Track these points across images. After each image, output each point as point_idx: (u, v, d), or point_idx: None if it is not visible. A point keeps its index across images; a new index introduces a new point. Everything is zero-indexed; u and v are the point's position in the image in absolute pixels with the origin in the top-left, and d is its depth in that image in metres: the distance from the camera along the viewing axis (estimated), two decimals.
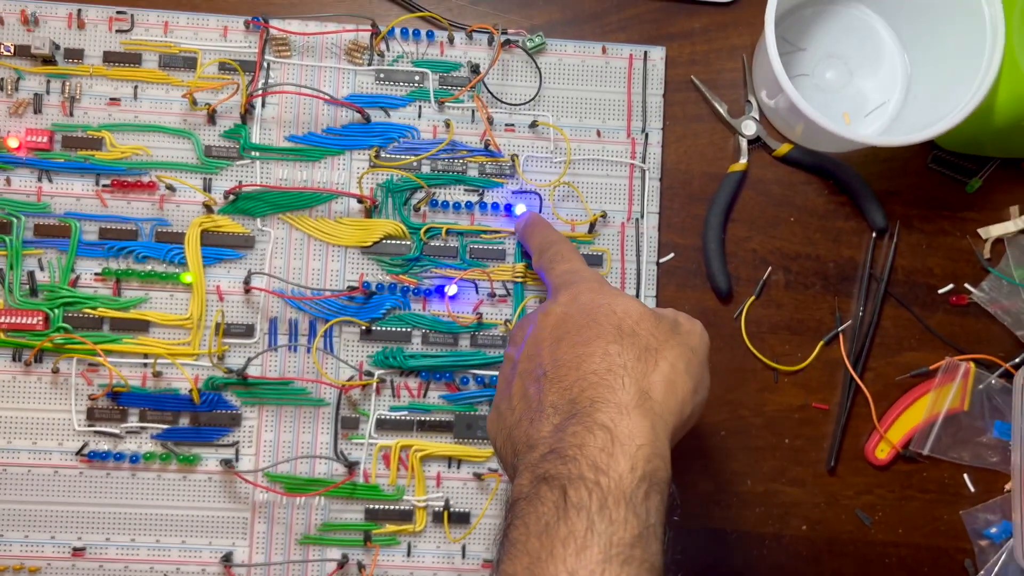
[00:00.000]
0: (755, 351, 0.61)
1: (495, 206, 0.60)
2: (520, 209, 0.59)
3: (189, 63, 0.59)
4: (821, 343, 0.62)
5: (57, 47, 0.58)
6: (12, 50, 0.57)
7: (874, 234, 0.62)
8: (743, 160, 0.62)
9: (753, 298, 0.61)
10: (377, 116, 0.60)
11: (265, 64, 0.59)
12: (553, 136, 0.60)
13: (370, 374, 0.58)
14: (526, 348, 0.45)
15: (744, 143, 0.62)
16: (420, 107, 0.60)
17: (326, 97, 0.58)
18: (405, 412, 0.58)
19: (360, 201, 0.58)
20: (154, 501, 0.57)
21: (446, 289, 0.58)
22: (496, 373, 0.59)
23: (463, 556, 0.58)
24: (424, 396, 0.59)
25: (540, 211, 0.60)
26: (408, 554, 0.57)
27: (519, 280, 0.59)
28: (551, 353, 0.42)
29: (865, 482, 0.61)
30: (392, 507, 0.58)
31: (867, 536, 0.61)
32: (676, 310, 0.47)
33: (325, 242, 0.59)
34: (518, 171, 0.60)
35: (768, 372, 0.61)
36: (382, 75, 0.60)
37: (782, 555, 0.61)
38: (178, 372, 0.57)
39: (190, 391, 0.56)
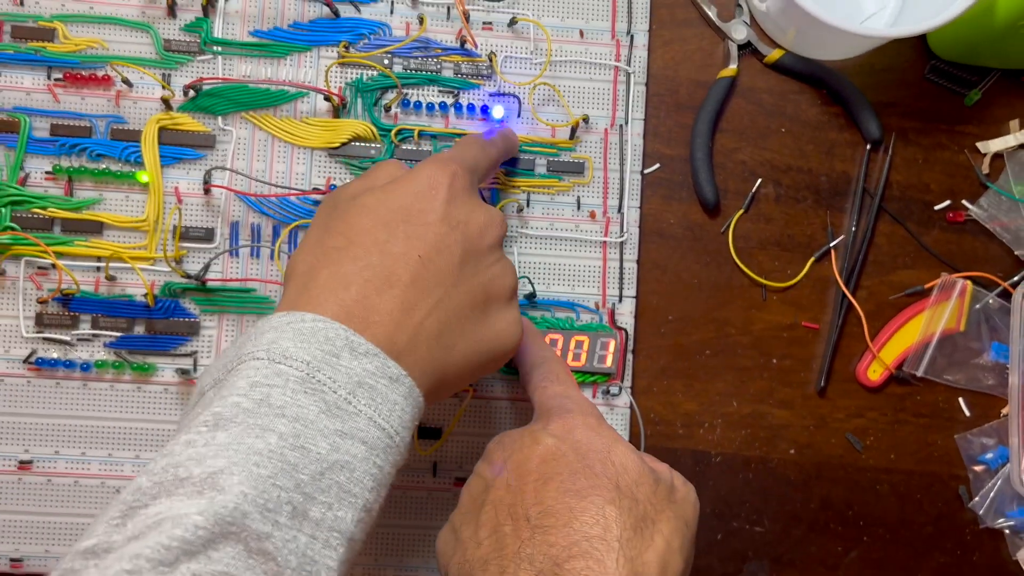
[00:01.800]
0: (743, 267, 0.58)
1: (471, 108, 0.56)
2: (498, 112, 0.56)
3: None
4: (812, 259, 0.59)
5: None
6: None
7: (868, 147, 0.60)
8: (732, 66, 0.59)
9: (742, 211, 0.59)
10: (347, 12, 0.56)
11: None
12: (533, 35, 0.57)
13: None
14: (507, 475, 0.41)
15: (734, 48, 0.59)
16: (392, 2, 0.57)
17: None
18: None
19: (327, 99, 0.55)
20: (106, 413, 0.54)
21: None
22: None
23: (434, 474, 0.55)
24: None
25: (519, 115, 0.57)
26: None
27: (496, 186, 0.56)
28: (537, 493, 0.39)
29: (856, 405, 0.59)
30: None
31: (858, 461, 0.59)
32: (670, 468, 0.44)
33: (290, 143, 0.56)
34: (496, 71, 0.56)
35: (756, 289, 0.59)
36: None
37: (769, 479, 0.58)
38: (133, 277, 0.54)
39: (145, 296, 0.53)
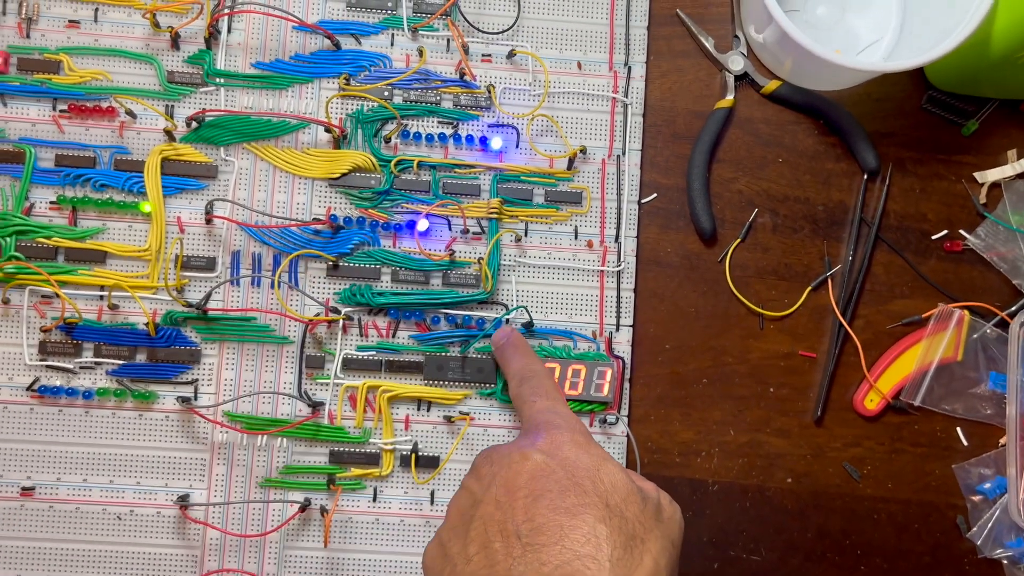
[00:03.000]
0: (740, 296, 0.59)
1: (470, 139, 0.57)
2: (496, 143, 0.57)
3: None
4: (809, 289, 0.59)
5: None
6: None
7: (865, 176, 0.60)
8: (730, 96, 0.59)
9: (739, 241, 0.59)
10: (348, 44, 0.57)
11: None
12: (532, 67, 0.58)
13: (336, 311, 0.55)
14: (495, 491, 0.41)
15: (731, 79, 0.59)
16: (393, 35, 0.57)
17: (295, 19, 0.56)
18: (373, 352, 0.56)
19: (328, 130, 0.56)
20: (108, 440, 0.54)
21: (417, 224, 0.56)
22: (468, 313, 0.56)
23: (431, 502, 0.55)
24: (393, 336, 0.56)
25: (517, 145, 0.57)
26: (374, 499, 0.55)
27: (494, 216, 0.57)
28: (527, 510, 0.39)
29: (853, 434, 0.59)
30: (358, 450, 0.55)
31: (855, 490, 0.59)
32: (657, 487, 0.44)
33: (291, 173, 0.56)
34: (494, 102, 0.57)
35: (753, 318, 0.59)
36: (353, 0, 0.57)
37: (766, 508, 0.58)
38: (135, 306, 0.54)
39: (147, 325, 0.54)
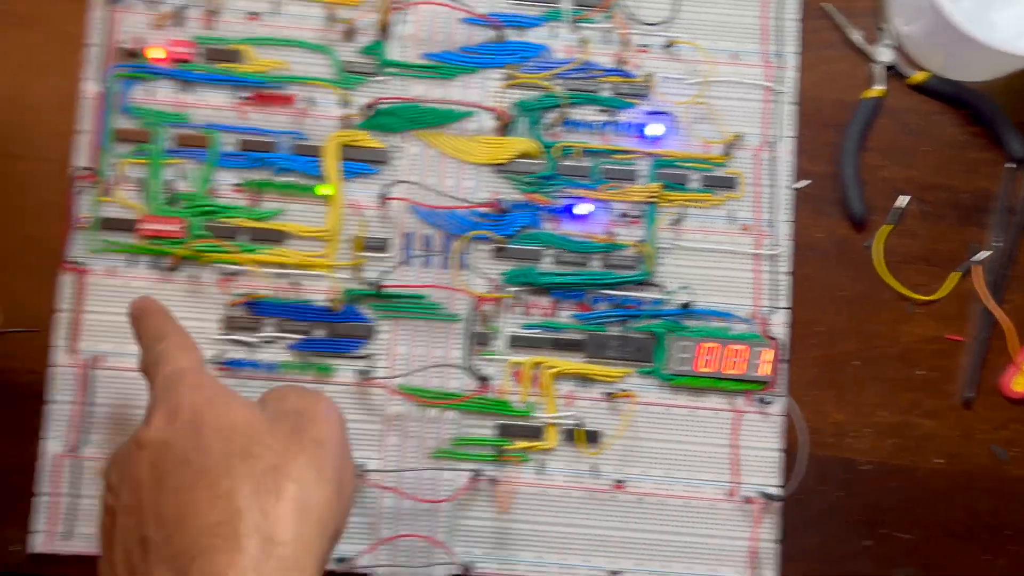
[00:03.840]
0: (889, 280, 0.60)
1: (627, 126, 0.59)
2: (656, 129, 0.59)
3: None
4: (956, 274, 0.60)
5: None
6: None
7: (1011, 165, 0.61)
8: (878, 87, 0.61)
9: (888, 227, 0.60)
10: (511, 36, 0.60)
11: None
12: (686, 57, 0.60)
13: (499, 287, 0.57)
14: (125, 498, 0.36)
15: (879, 70, 0.61)
16: (554, 27, 0.60)
17: (468, 10, 0.58)
18: (537, 330, 0.58)
19: (497, 118, 0.58)
20: None
21: (578, 208, 0.58)
22: (627, 293, 0.58)
23: (594, 475, 0.57)
24: (555, 314, 0.58)
25: (674, 132, 0.59)
26: (540, 471, 0.57)
27: (653, 200, 0.59)
28: (153, 505, 0.35)
29: (1001, 417, 0.60)
30: (523, 423, 0.57)
31: (1003, 472, 0.60)
32: (294, 388, 0.41)
33: (459, 159, 0.59)
34: (654, 91, 0.59)
35: (902, 302, 0.60)
36: None
37: (916, 488, 0.59)
38: (313, 283, 0.57)
39: (330, 302, 0.56)
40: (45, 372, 0.56)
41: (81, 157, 0.57)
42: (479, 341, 0.58)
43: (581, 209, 0.58)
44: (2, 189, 0.57)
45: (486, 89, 0.59)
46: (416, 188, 0.58)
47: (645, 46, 0.60)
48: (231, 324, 0.57)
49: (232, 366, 0.56)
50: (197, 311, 0.57)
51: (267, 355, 0.57)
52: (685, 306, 0.58)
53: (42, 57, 0.58)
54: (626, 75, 0.60)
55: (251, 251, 0.57)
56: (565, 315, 0.58)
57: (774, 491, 0.57)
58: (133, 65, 0.57)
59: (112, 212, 0.57)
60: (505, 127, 0.58)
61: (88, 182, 0.57)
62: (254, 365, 0.56)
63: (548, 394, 0.57)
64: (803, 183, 0.60)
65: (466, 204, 0.58)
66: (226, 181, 0.58)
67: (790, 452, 0.58)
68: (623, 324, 0.58)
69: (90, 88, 0.57)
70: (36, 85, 0.58)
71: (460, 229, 0.58)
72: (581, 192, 0.59)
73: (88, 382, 0.56)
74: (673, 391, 0.58)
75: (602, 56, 0.60)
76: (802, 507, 0.58)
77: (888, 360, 0.60)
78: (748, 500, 0.57)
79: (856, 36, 0.61)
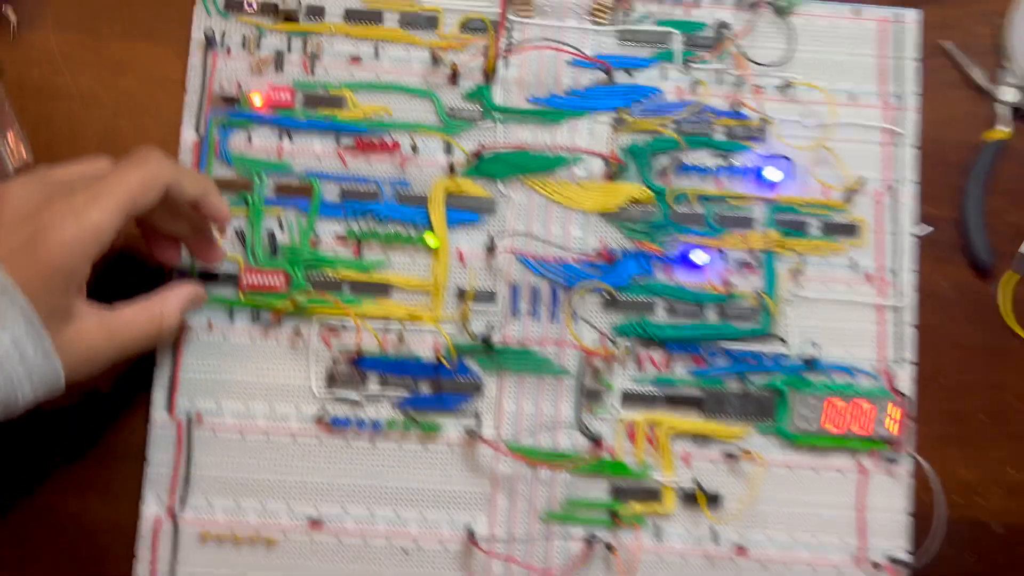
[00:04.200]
0: (1018, 330, 0.57)
1: (743, 170, 0.57)
2: (772, 174, 0.56)
3: (430, 22, 0.57)
4: None
5: (299, 4, 0.56)
6: (255, 6, 0.56)
7: None
8: (1002, 127, 0.58)
9: (1015, 275, 0.57)
10: (619, 79, 0.57)
11: (508, 25, 0.57)
12: (803, 99, 0.57)
13: (612, 340, 0.55)
14: None
15: (1003, 110, 0.58)
16: (664, 68, 0.58)
17: (578, 52, 0.56)
18: (651, 386, 0.55)
19: (607, 163, 0.56)
20: (392, 471, 0.54)
21: (694, 256, 0.55)
22: (746, 347, 0.55)
23: (714, 540, 0.54)
24: (670, 369, 0.55)
25: (791, 176, 0.57)
26: (656, 536, 0.54)
27: (771, 248, 0.56)
28: None
29: None
30: (638, 485, 0.54)
31: None
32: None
33: (567, 207, 0.56)
34: (771, 133, 0.57)
35: None
36: (625, 35, 0.57)
37: None
38: (418, 337, 0.55)
39: (437, 357, 0.54)
40: (144, 430, 0.54)
41: None
42: (590, 397, 0.55)
43: (697, 258, 0.55)
44: None
45: (594, 133, 0.57)
46: (523, 237, 0.56)
47: (760, 87, 0.58)
48: (335, 380, 0.54)
49: (336, 425, 0.54)
50: (299, 367, 0.54)
51: (372, 412, 0.54)
52: (809, 361, 0.55)
53: (138, 103, 0.56)
54: (739, 116, 0.57)
55: (355, 304, 0.55)
56: (680, 370, 0.56)
57: (904, 556, 0.54)
58: (232, 112, 0.56)
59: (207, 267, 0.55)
60: (615, 173, 0.56)
61: None
62: (360, 424, 0.54)
63: (664, 454, 0.55)
64: (926, 229, 0.57)
65: (575, 253, 0.56)
66: (329, 231, 0.55)
67: (918, 514, 0.55)
68: (742, 379, 0.55)
69: (188, 135, 0.56)
70: (132, 132, 0.56)
71: (569, 280, 0.56)
72: (695, 240, 0.56)
73: (187, 440, 0.53)
74: (795, 450, 0.55)
75: (715, 98, 0.57)
76: (931, 572, 0.55)
77: (1017, 414, 0.57)
78: (876, 566, 0.54)
79: (978, 75, 0.59)
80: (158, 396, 0.54)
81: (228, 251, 0.55)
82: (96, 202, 0.42)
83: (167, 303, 0.49)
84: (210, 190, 0.48)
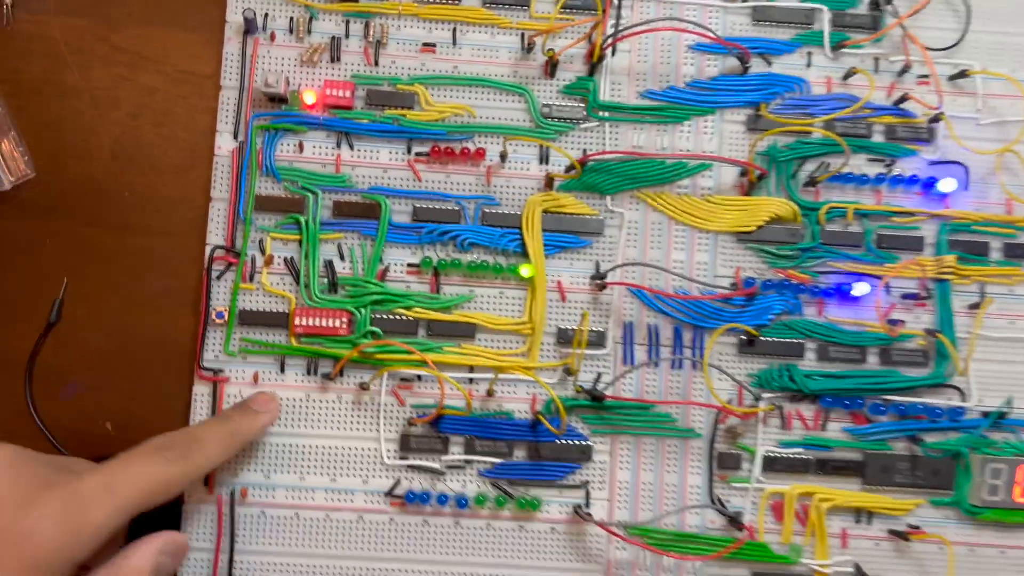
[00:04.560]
0: None
1: (910, 180, 0.46)
2: (947, 185, 0.45)
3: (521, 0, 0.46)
4: None
5: None
6: None
7: None
8: None
9: None
10: (754, 67, 0.46)
11: (615, 1, 0.46)
12: (981, 91, 0.46)
13: (756, 398, 0.44)
14: None
15: None
16: (809, 54, 0.46)
17: (708, 35, 0.45)
18: (800, 449, 0.45)
19: (742, 172, 0.45)
20: (483, 557, 0.44)
21: (855, 288, 0.45)
22: (917, 400, 0.45)
23: None
24: (823, 428, 0.45)
25: (968, 188, 0.46)
26: None
27: (944, 276, 0.45)
28: None
29: None
30: (786, 572, 0.44)
31: None
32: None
33: (691, 227, 0.46)
34: (942, 134, 0.46)
35: None
36: (761, 13, 0.46)
37: None
38: (510, 390, 0.44)
39: (535, 415, 0.43)
40: (177, 510, 0.44)
41: (215, 232, 0.44)
42: (725, 464, 0.44)
43: (855, 289, 0.44)
44: (117, 271, 0.44)
45: (724, 135, 0.46)
46: (638, 265, 0.45)
47: (925, 77, 0.46)
48: (409, 445, 0.44)
49: (412, 500, 0.43)
50: (365, 429, 0.44)
51: (456, 484, 0.44)
52: (994, 416, 0.44)
53: (162, 103, 0.46)
54: (904, 114, 0.46)
55: (433, 351, 0.44)
56: (835, 429, 0.45)
57: None
58: (278, 113, 0.45)
59: (256, 303, 0.44)
60: (752, 184, 0.45)
61: (224, 264, 0.44)
62: (441, 499, 0.43)
63: (818, 533, 0.44)
64: None
65: (703, 285, 0.45)
66: (399, 260, 0.45)
67: None
68: (912, 440, 0.45)
69: (225, 143, 0.45)
70: (156, 140, 0.46)
71: (696, 318, 0.45)
72: (851, 266, 0.45)
73: (228, 522, 0.43)
74: (978, 527, 0.45)
75: (871, 90, 0.46)
76: None
77: None
78: None
79: None
80: None
81: (278, 286, 0.44)
82: (106, 496, 0.33)
83: (131, 563, 0.35)
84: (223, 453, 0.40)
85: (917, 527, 0.45)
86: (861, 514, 0.45)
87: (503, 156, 0.45)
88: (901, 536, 0.44)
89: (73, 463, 0.36)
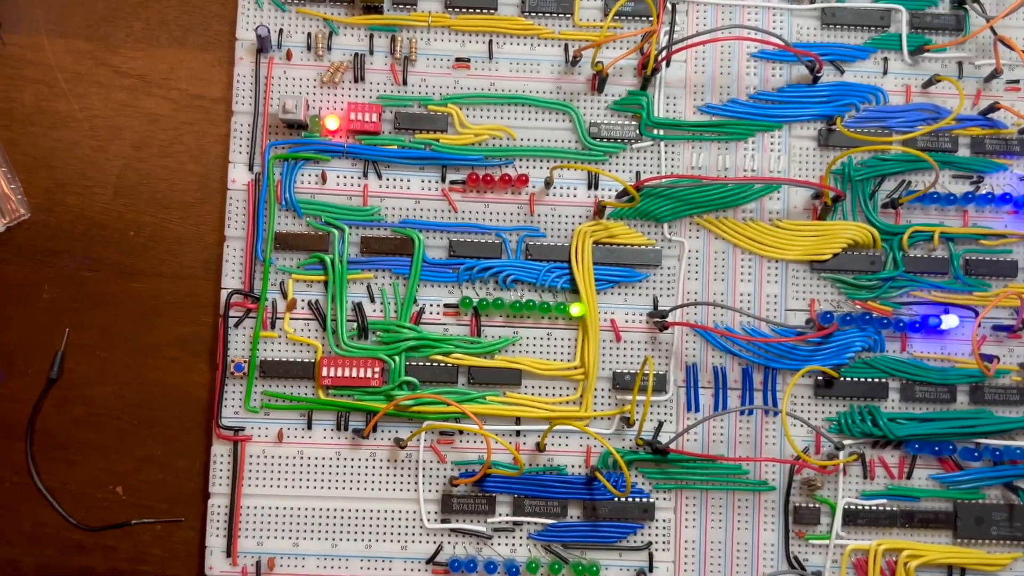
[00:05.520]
0: None
1: (999, 199, 0.41)
2: None
3: (563, 7, 0.41)
4: None
5: None
6: None
7: None
8: None
9: None
10: (825, 76, 0.42)
11: (669, 6, 0.41)
12: None
13: (836, 446, 0.39)
14: None
15: None
16: (885, 60, 0.42)
17: (768, 40, 0.40)
18: (883, 500, 0.40)
19: (816, 195, 0.40)
20: None
21: (945, 321, 0.40)
22: (1013, 443, 0.40)
23: None
24: (908, 477, 0.40)
25: None
26: None
27: None
28: None
29: None
30: None
31: None
32: None
33: (759, 255, 0.41)
34: None
35: None
36: (828, 16, 0.42)
37: None
38: (563, 443, 0.40)
39: (591, 471, 0.39)
40: None
41: (231, 274, 0.40)
42: (802, 519, 0.40)
43: (945, 322, 0.40)
44: (123, 319, 0.40)
45: (793, 153, 0.41)
46: (700, 302, 0.40)
47: (1015, 83, 0.42)
48: (452, 507, 0.40)
49: (457, 569, 0.39)
50: (403, 489, 0.40)
51: (504, 549, 0.40)
52: None
53: (169, 132, 0.41)
54: (993, 125, 0.41)
55: (476, 401, 0.40)
56: (922, 477, 0.40)
57: None
58: (298, 141, 0.40)
59: (278, 352, 0.40)
60: (826, 207, 0.40)
61: (243, 310, 0.40)
62: (490, 567, 0.39)
63: None
64: None
65: (773, 322, 0.40)
66: (435, 300, 0.40)
67: None
68: (1008, 488, 0.40)
69: (239, 175, 0.41)
70: (162, 173, 0.41)
71: (767, 358, 0.40)
72: (938, 296, 0.41)
73: None
74: None
75: (951, 98, 0.42)
76: None
77: None
78: None
79: None
80: (213, 538, 0.39)
81: (302, 333, 0.40)
82: None
83: None
84: None
85: None
86: (953, 571, 0.40)
87: (548, 182, 0.41)
88: None
89: None
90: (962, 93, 0.40)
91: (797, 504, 0.40)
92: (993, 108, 0.41)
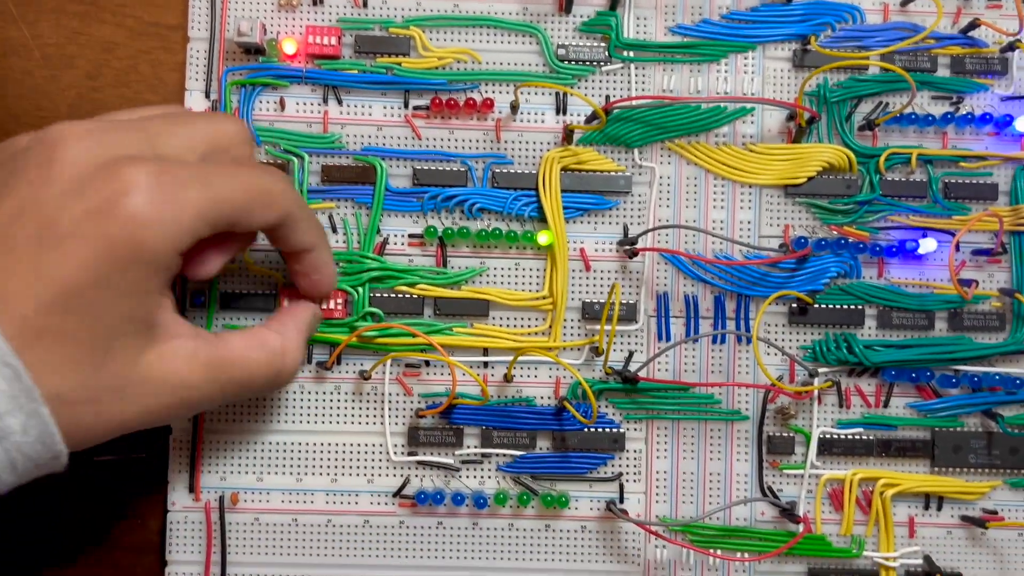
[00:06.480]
0: None
1: (981, 119, 0.40)
2: (1022, 124, 0.39)
3: None
4: None
5: None
6: None
7: None
8: None
9: None
10: None
11: None
12: None
13: (811, 373, 0.39)
14: None
15: None
16: None
17: None
18: (859, 429, 0.39)
19: (790, 116, 0.39)
20: (505, 561, 0.39)
21: (922, 245, 0.39)
22: (992, 370, 0.39)
23: None
24: (885, 405, 0.39)
25: None
26: None
27: (1022, 228, 0.39)
28: None
29: None
30: (847, 567, 0.39)
31: None
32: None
33: (731, 180, 0.40)
34: (1018, 65, 0.40)
35: None
36: None
37: None
38: (529, 374, 0.39)
39: (560, 401, 0.38)
40: (160, 519, 0.39)
41: None
42: (776, 449, 0.39)
43: (923, 247, 0.39)
44: None
45: (767, 74, 0.40)
46: (672, 227, 0.39)
47: (996, 1, 0.40)
48: (419, 439, 0.39)
49: (424, 501, 0.38)
50: (369, 422, 0.39)
51: (472, 481, 0.39)
52: None
53: (123, 60, 0.40)
54: (973, 43, 0.40)
55: (441, 332, 0.39)
56: (899, 405, 0.40)
57: None
58: (255, 66, 0.39)
59: (238, 284, 0.39)
60: (801, 130, 0.39)
61: None
62: (456, 498, 0.38)
63: (882, 522, 0.39)
64: None
65: (746, 246, 0.39)
66: (399, 231, 0.39)
67: None
68: (987, 415, 0.39)
69: (196, 102, 0.39)
70: (118, 103, 0.40)
71: (741, 285, 0.39)
72: (916, 220, 0.40)
73: (218, 531, 0.38)
74: None
75: (929, 16, 0.40)
76: None
77: None
78: None
79: None
80: (175, 474, 0.39)
81: (262, 264, 0.39)
82: (202, 183, 0.29)
83: (287, 332, 0.34)
84: (323, 243, 0.35)
85: (994, 512, 0.40)
86: (930, 500, 0.40)
87: (514, 107, 0.39)
88: (976, 523, 0.39)
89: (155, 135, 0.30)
90: (940, 8, 0.39)
91: (771, 434, 0.40)
92: (973, 25, 0.40)
